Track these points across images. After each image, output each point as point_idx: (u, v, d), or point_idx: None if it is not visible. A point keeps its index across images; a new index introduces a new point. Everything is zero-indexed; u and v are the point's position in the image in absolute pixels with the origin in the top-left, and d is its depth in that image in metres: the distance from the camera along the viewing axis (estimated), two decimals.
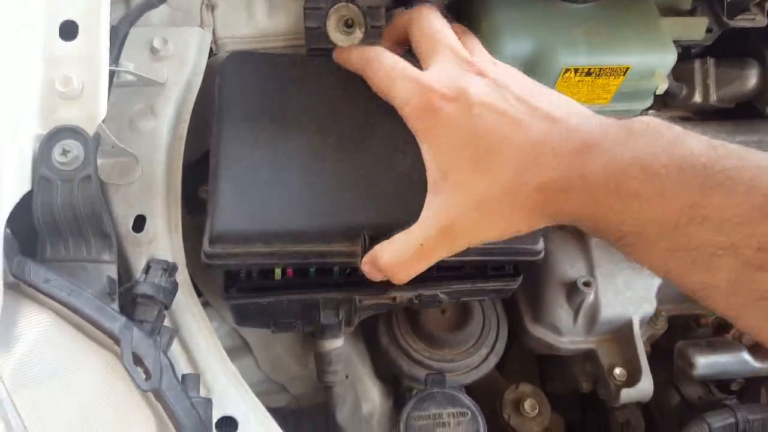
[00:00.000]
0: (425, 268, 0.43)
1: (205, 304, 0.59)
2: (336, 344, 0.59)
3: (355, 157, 0.45)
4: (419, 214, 0.42)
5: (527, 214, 0.39)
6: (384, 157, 0.45)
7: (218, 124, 0.47)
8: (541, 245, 0.48)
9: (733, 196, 0.31)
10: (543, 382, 0.72)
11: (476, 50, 0.47)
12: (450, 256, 0.43)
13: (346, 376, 0.63)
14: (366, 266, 0.44)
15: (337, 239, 0.44)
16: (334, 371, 0.60)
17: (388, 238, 0.43)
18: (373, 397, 0.67)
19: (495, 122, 0.39)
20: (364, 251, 0.43)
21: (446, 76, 0.42)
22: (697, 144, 0.34)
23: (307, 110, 0.47)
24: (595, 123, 0.38)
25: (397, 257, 0.42)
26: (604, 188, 0.35)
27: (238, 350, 0.65)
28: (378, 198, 0.44)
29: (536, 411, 0.62)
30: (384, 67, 0.45)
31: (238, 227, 0.43)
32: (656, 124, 0.36)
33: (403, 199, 0.43)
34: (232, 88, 0.48)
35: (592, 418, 0.73)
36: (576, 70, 0.52)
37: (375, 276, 0.44)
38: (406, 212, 0.42)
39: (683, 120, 0.67)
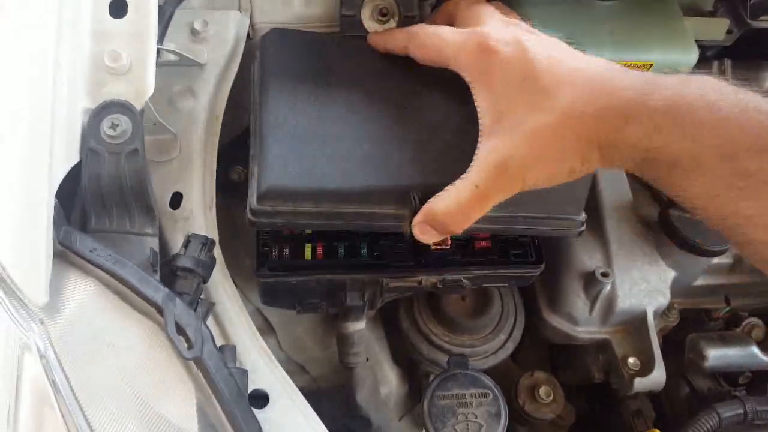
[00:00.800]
0: (480, 215, 0.42)
1: None
2: (359, 326, 0.60)
3: (401, 122, 0.45)
4: None
5: (582, 146, 0.39)
6: (430, 122, 0.45)
7: (259, 92, 0.46)
8: (583, 216, 0.48)
9: None
10: (555, 373, 0.73)
11: (519, 21, 0.47)
12: (497, 221, 0.44)
13: (367, 359, 0.64)
14: (418, 226, 0.43)
15: (386, 200, 0.44)
16: (355, 353, 0.61)
17: None
18: (390, 380, 0.68)
19: (551, 63, 0.40)
20: (413, 213, 0.43)
21: (499, 29, 0.43)
22: (758, 95, 0.35)
23: (349, 80, 0.47)
24: (649, 73, 0.39)
25: (453, 205, 0.42)
26: (667, 116, 0.36)
27: (260, 331, 0.65)
28: (426, 161, 0.43)
29: (551, 397, 0.64)
30: (431, 33, 0.45)
31: (287, 184, 0.42)
32: (711, 78, 0.37)
33: (450, 162, 0.42)
34: (272, 60, 0.47)
35: (601, 409, 0.74)
36: None
37: (428, 235, 0.43)
38: (455, 175, 0.42)
39: None
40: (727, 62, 0.66)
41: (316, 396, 0.70)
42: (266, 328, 0.66)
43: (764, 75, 0.66)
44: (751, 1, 0.58)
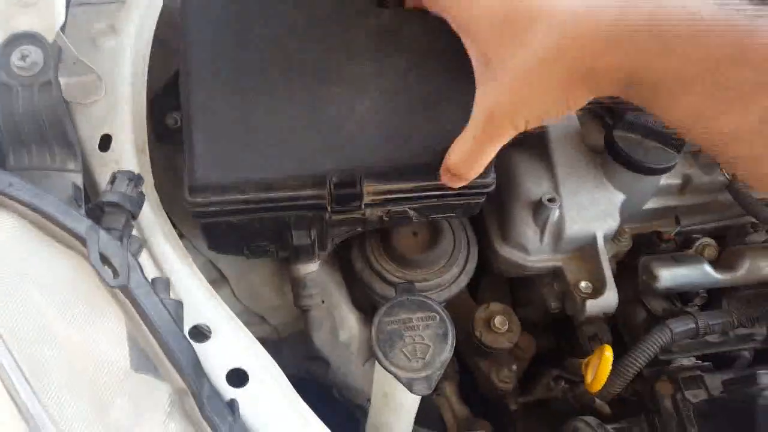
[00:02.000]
0: (490, 158, 0.45)
1: (180, 236, 0.60)
2: (310, 268, 0.60)
3: (321, 97, 0.47)
4: (383, 156, 0.46)
5: (566, 81, 0.39)
6: (351, 94, 0.47)
7: (185, 72, 0.47)
8: (492, 178, 0.51)
9: None
10: (515, 311, 0.73)
11: None
12: (405, 185, 0.47)
13: (323, 302, 0.64)
14: (444, 177, 0.47)
15: (306, 185, 0.47)
16: (309, 295, 0.61)
17: (352, 181, 0.47)
18: (350, 324, 0.68)
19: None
20: (331, 195, 0.47)
21: None
22: (739, 5, 0.34)
23: (275, 44, 0.48)
24: None
25: (461, 156, 0.45)
26: (648, 32, 0.35)
27: (214, 283, 0.65)
28: (342, 142, 0.46)
29: (506, 326, 0.64)
30: None
31: (213, 178, 0.45)
32: None
33: (364, 141, 0.46)
34: (195, 25, 0.48)
35: (560, 339, 0.75)
36: None
37: (455, 182, 0.47)
38: (369, 154, 0.46)
39: None
40: None
41: (277, 344, 0.70)
42: (221, 280, 0.66)
43: None
44: None
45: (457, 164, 0.45)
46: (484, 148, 0.44)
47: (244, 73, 0.48)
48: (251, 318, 0.68)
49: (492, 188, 0.54)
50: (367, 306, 0.73)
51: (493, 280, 0.76)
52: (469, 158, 0.45)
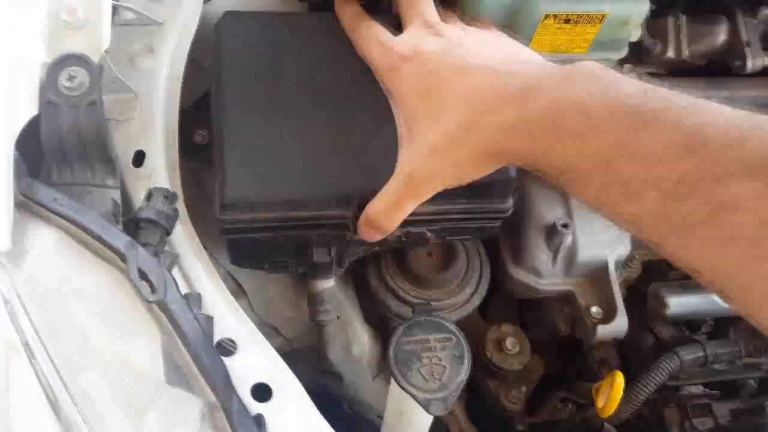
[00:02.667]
0: (402, 218, 0.47)
1: None
2: (327, 284, 0.62)
3: (349, 121, 0.49)
4: None
5: (474, 157, 0.43)
6: (375, 121, 0.49)
7: (218, 90, 0.49)
8: (510, 203, 0.53)
9: (659, 133, 0.34)
10: (524, 330, 0.75)
11: (449, 18, 0.50)
12: (426, 208, 0.48)
13: (338, 317, 0.65)
14: (361, 228, 0.49)
15: (331, 206, 0.49)
16: (325, 310, 0.62)
17: None
18: (362, 339, 0.70)
19: (443, 76, 0.44)
20: (355, 215, 0.48)
21: (409, 39, 0.47)
22: (630, 87, 0.37)
23: (304, 72, 0.50)
24: (538, 68, 0.42)
25: (379, 209, 0.47)
26: (542, 127, 0.38)
27: (232, 294, 0.67)
28: (365, 165, 0.48)
29: (517, 348, 0.65)
30: (363, 31, 0.49)
31: (244, 196, 0.48)
32: (594, 68, 0.38)
33: (388, 165, 0.47)
34: (229, 52, 0.50)
35: (569, 361, 0.76)
36: (555, 17, 0.54)
37: (369, 234, 0.49)
38: (387, 178, 0.47)
39: (658, 77, 0.71)
40: (683, 18, 0.67)
41: (290, 357, 0.71)
42: (238, 292, 0.67)
43: (717, 29, 0.68)
44: None
45: (377, 217, 0.47)
46: (404, 205, 0.47)
47: (275, 97, 0.50)
48: (265, 329, 0.69)
49: (509, 213, 0.55)
50: (376, 321, 0.74)
51: (503, 301, 0.77)
52: (388, 212, 0.47)
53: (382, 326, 0.73)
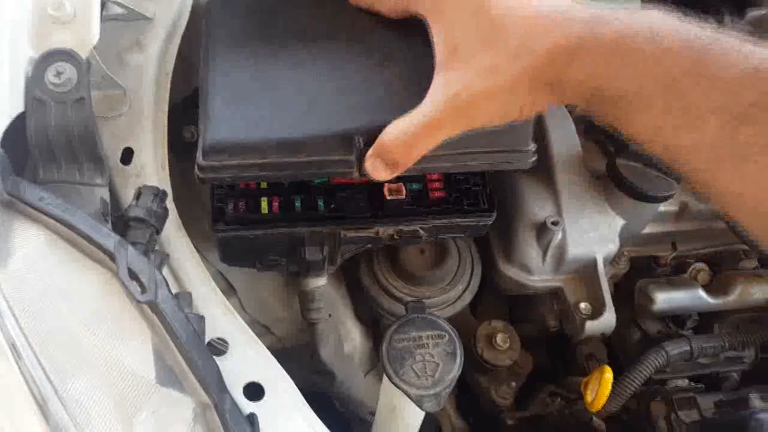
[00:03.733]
0: (430, 148, 0.42)
1: None
2: (319, 282, 0.61)
3: (345, 66, 0.45)
4: None
5: (532, 84, 0.40)
6: (373, 66, 0.46)
7: (205, 51, 0.47)
8: (533, 146, 0.48)
9: (730, 59, 0.34)
10: (513, 326, 0.75)
11: None
12: (444, 151, 0.43)
13: (330, 315, 0.65)
14: (369, 161, 0.43)
15: (332, 147, 0.43)
16: (317, 309, 0.62)
17: None
18: (354, 337, 0.70)
19: None
20: (360, 157, 0.43)
21: None
22: (700, 25, 0.37)
23: (295, 28, 0.47)
24: (603, 5, 0.40)
25: (402, 135, 0.41)
26: (613, 49, 0.37)
27: (223, 293, 0.66)
28: (369, 104, 0.44)
29: (507, 344, 0.66)
30: None
31: (232, 138, 0.42)
32: (659, 12, 0.38)
33: (394, 103, 0.43)
34: (218, 17, 0.48)
35: (558, 357, 0.77)
36: None
37: (378, 171, 0.43)
38: (398, 114, 0.42)
39: None
40: None
41: (281, 355, 0.71)
42: (229, 291, 0.67)
43: None
44: None
45: (397, 144, 0.42)
46: (435, 133, 0.41)
47: (268, 40, 0.46)
48: (256, 328, 0.69)
49: (534, 159, 0.50)
50: (368, 318, 0.74)
51: (493, 297, 0.77)
52: (412, 139, 0.41)
53: (374, 324, 0.73)
